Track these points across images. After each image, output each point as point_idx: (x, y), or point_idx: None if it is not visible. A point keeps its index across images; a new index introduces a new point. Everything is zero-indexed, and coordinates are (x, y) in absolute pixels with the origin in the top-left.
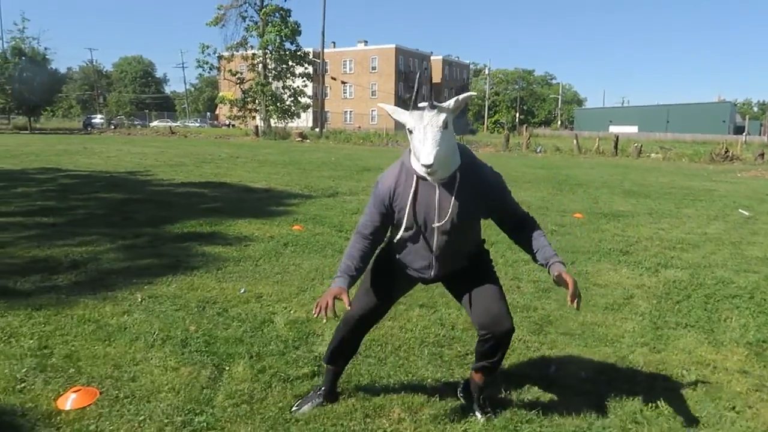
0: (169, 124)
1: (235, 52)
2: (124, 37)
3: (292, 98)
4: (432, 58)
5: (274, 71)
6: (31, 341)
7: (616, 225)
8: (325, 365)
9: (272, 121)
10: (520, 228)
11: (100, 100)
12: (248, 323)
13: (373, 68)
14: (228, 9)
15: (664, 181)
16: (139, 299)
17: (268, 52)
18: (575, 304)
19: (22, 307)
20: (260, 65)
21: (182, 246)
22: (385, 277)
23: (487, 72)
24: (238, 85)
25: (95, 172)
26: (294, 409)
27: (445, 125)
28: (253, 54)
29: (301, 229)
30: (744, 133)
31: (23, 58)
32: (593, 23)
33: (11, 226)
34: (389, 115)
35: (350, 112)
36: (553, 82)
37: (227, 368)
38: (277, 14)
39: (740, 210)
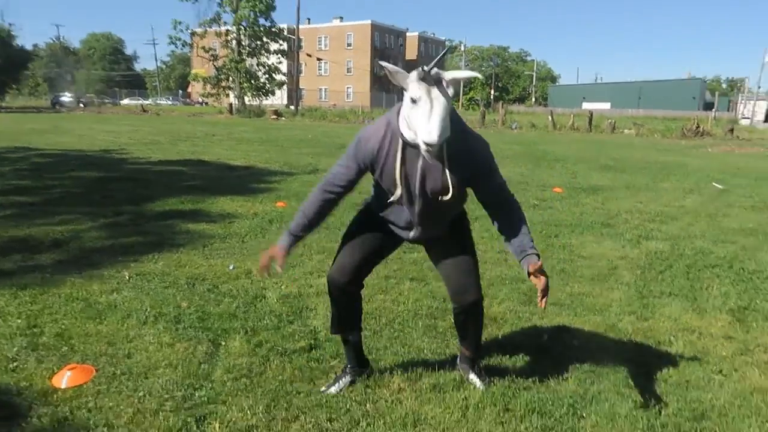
0: (140, 102)
1: (208, 28)
2: (92, 13)
3: (267, 75)
4: (408, 34)
5: (248, 48)
6: (20, 321)
7: (595, 199)
8: (339, 338)
9: (246, 99)
10: (502, 209)
11: (68, 77)
12: (240, 299)
13: (349, 45)
14: None
15: (638, 156)
16: (127, 277)
17: (242, 28)
18: (543, 303)
19: (6, 287)
20: (234, 42)
21: (165, 224)
22: (366, 232)
23: (462, 49)
24: (211, 62)
25: (68, 151)
26: (323, 389)
27: (449, 102)
28: (227, 30)
29: (285, 206)
30: (713, 110)
31: None
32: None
33: None
34: (389, 74)
35: (325, 89)
36: (528, 59)
37: (223, 343)
38: None
39: (714, 183)
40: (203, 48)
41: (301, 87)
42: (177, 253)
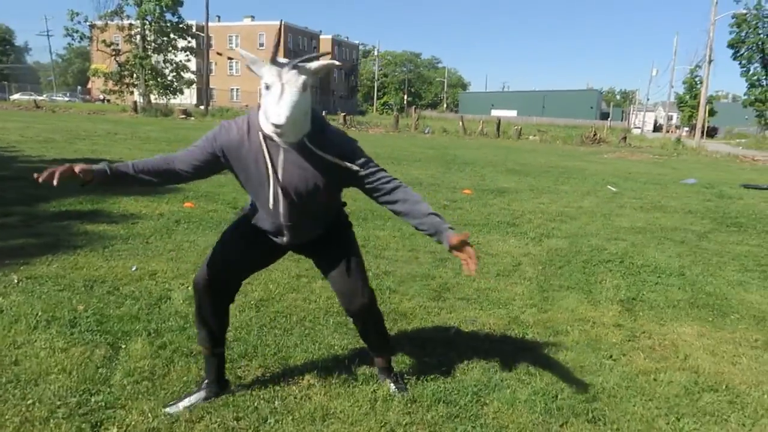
0: (33, 97)
1: (109, 21)
2: None
3: (174, 73)
4: (321, 37)
5: (153, 44)
6: None
7: (502, 200)
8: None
9: (152, 97)
10: (393, 199)
11: None
12: (143, 300)
13: (261, 45)
14: None
15: (541, 161)
16: (16, 280)
17: (147, 22)
18: (472, 267)
19: None
20: (138, 36)
21: (61, 225)
22: (239, 240)
23: (375, 53)
24: (113, 57)
25: None
26: (167, 409)
27: (305, 87)
28: (130, 24)
29: (193, 206)
30: (609, 119)
31: None
32: (478, 9)
33: None
34: (248, 66)
35: (237, 89)
36: (439, 65)
37: (123, 346)
38: None
39: (609, 186)
40: (104, 42)
41: (211, 86)
42: (74, 254)
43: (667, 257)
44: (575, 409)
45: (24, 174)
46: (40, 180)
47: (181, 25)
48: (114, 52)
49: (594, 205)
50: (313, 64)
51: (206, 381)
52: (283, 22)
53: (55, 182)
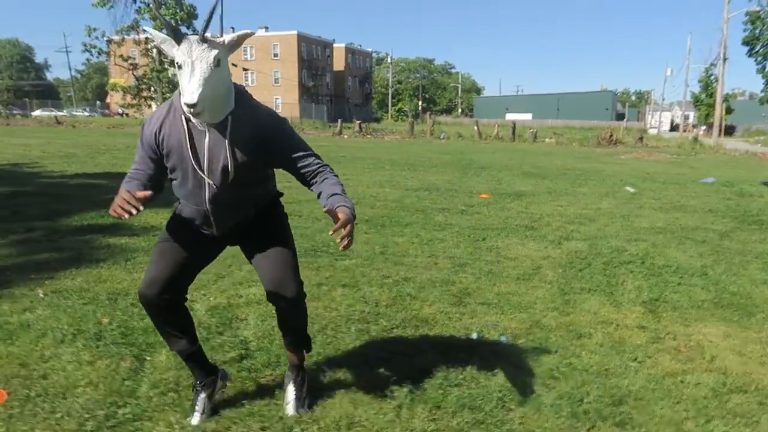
0: (54, 113)
1: (126, 36)
2: None
3: None
4: (335, 45)
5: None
6: None
7: (519, 203)
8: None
9: None
10: (317, 180)
11: None
12: None
13: (275, 55)
14: None
15: (558, 163)
16: (41, 295)
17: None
18: (335, 235)
19: None
20: (155, 50)
21: (84, 239)
22: (174, 240)
23: (389, 60)
24: (130, 72)
25: None
26: (191, 420)
27: (217, 62)
28: (146, 38)
29: None
30: (625, 120)
31: None
32: (490, 14)
33: None
34: (157, 45)
35: None
36: (453, 71)
37: (148, 358)
38: None
39: (627, 187)
40: (121, 56)
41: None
42: (97, 268)
43: (688, 257)
44: (602, 412)
45: (45, 189)
46: (115, 213)
47: None
48: (131, 67)
49: (613, 206)
50: (226, 37)
51: (197, 382)
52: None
53: (136, 210)
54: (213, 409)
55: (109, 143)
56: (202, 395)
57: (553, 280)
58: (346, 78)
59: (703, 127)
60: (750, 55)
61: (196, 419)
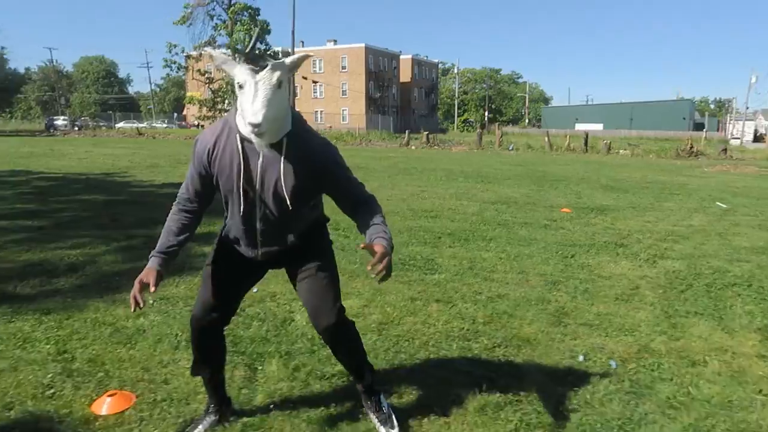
0: (135, 125)
1: (203, 52)
2: (85, 37)
3: None
4: (401, 57)
5: None
6: (48, 346)
7: (604, 219)
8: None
9: None
10: (360, 210)
11: (62, 101)
12: (269, 322)
13: (343, 68)
14: (195, 7)
15: (637, 176)
16: (151, 301)
17: (237, 51)
18: (372, 270)
19: (29, 312)
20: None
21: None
22: (222, 265)
23: (455, 71)
24: (206, 85)
25: (69, 174)
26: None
27: (279, 84)
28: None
29: None
30: (704, 130)
31: None
32: (557, 22)
33: None
34: (219, 66)
35: (321, 111)
36: (520, 80)
37: (260, 368)
38: (245, 13)
39: (718, 203)
40: (198, 71)
41: (297, 109)
42: (197, 275)
43: None
44: None
45: (138, 198)
46: (135, 309)
47: (268, 52)
48: (208, 80)
49: (705, 223)
50: (287, 60)
51: (211, 405)
52: (260, 23)
53: (140, 305)
54: (331, 424)
55: (188, 153)
56: (212, 417)
57: (655, 302)
58: (412, 89)
59: None
60: None
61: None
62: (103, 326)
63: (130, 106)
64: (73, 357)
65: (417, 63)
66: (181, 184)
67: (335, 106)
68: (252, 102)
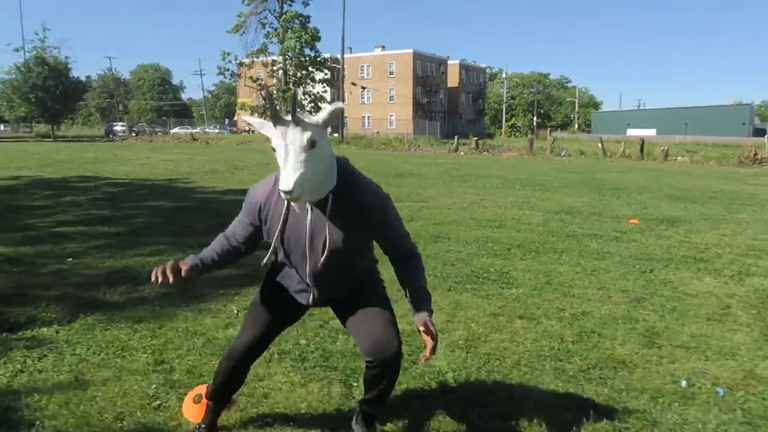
0: (189, 130)
1: (255, 59)
2: (141, 45)
3: (313, 104)
4: (449, 62)
5: (294, 77)
6: (146, 356)
7: (677, 231)
8: (208, 401)
9: None
10: (403, 262)
11: (120, 107)
12: None
13: (391, 73)
14: (248, 16)
15: (700, 184)
16: (235, 312)
17: (288, 58)
18: (423, 359)
19: (122, 320)
20: (280, 71)
21: (254, 255)
22: (269, 304)
23: (503, 76)
24: (258, 92)
25: (135, 180)
26: None
27: (312, 144)
28: (273, 60)
29: None
30: (766, 136)
31: (45, 67)
32: (607, 26)
33: (76, 235)
34: (257, 130)
35: (368, 117)
36: (569, 85)
37: (355, 384)
38: (296, 20)
39: None
40: (251, 78)
41: (345, 115)
42: None
43: None
44: None
45: (203, 204)
46: (154, 279)
47: (318, 59)
48: (259, 87)
49: None
50: (319, 116)
51: (202, 426)
52: (296, 89)
53: (170, 279)
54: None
55: (244, 159)
56: None
57: (751, 323)
58: (459, 94)
59: None
60: None
61: None
62: (195, 336)
63: (184, 112)
64: (172, 367)
65: (464, 68)
66: (240, 190)
67: (383, 111)
68: (284, 167)
